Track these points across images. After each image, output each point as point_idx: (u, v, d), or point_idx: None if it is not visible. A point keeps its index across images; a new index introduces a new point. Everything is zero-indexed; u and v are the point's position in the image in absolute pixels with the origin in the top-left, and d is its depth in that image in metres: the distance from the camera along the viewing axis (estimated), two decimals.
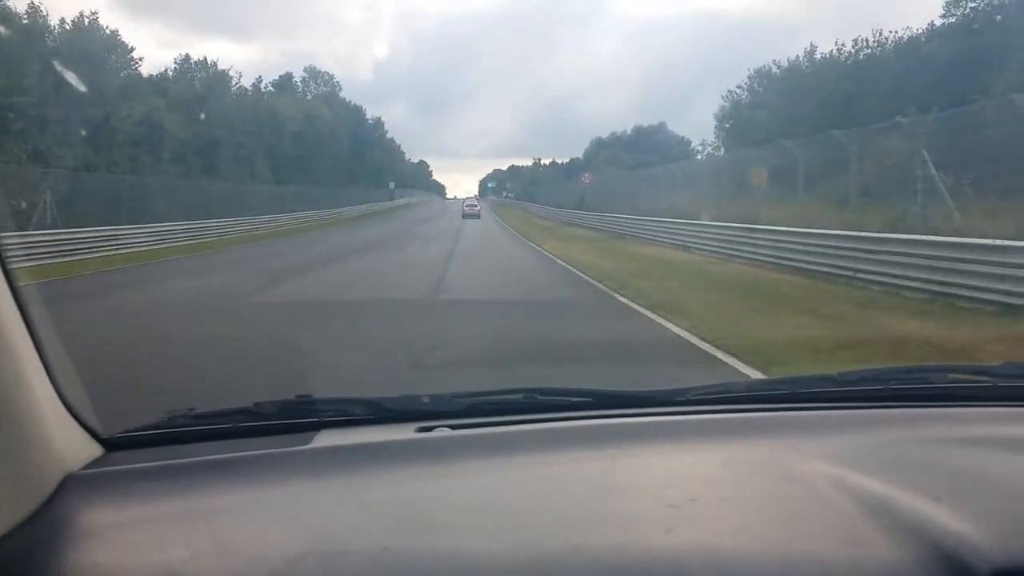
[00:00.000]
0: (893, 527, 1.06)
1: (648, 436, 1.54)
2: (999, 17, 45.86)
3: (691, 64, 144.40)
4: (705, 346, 7.96)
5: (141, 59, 42.24)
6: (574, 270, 17.80)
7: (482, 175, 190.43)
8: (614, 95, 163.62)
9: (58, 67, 29.38)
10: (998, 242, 10.17)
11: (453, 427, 1.58)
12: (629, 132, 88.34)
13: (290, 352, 7.30)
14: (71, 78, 30.56)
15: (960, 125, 16.23)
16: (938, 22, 43.13)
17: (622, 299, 12.19)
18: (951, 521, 1.05)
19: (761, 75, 56.92)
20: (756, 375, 6.40)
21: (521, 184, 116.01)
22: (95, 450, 1.42)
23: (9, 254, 1.28)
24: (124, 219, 29.33)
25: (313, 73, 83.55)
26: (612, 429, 1.58)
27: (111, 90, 36.34)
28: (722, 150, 49.11)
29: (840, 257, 13.91)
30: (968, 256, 10.52)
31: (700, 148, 56.60)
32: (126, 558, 1.09)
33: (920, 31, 47.10)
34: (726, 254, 19.85)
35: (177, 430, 1.57)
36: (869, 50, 48.34)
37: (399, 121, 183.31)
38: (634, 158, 65.55)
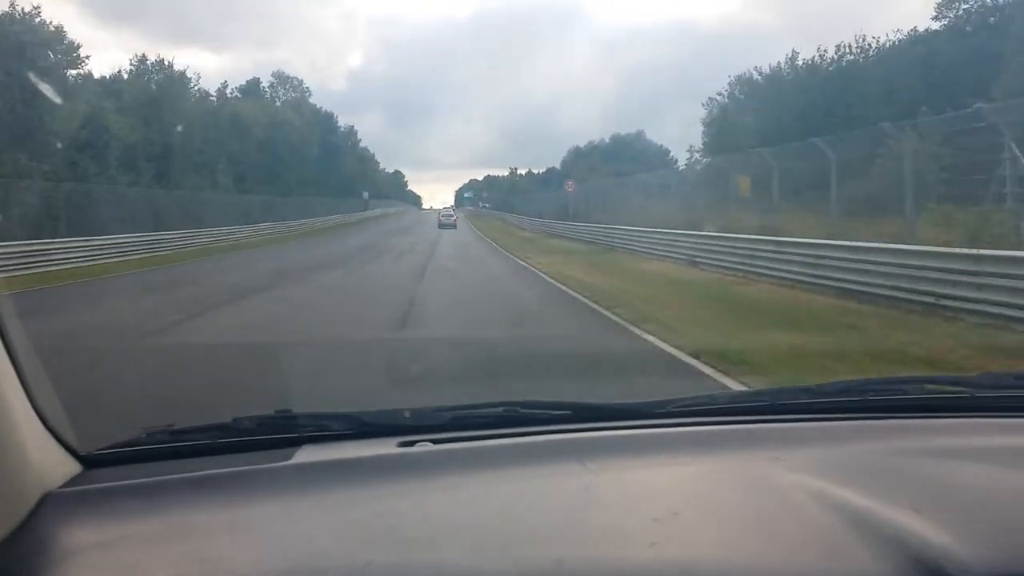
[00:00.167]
0: (874, 538, 1.07)
1: (630, 449, 1.54)
2: (993, 19, 44.65)
3: (665, 74, 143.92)
4: None
5: (88, 57, 38.81)
6: (571, 291, 14.87)
7: (458, 185, 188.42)
8: (588, 105, 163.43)
9: None
10: None
11: (435, 441, 1.56)
12: (607, 141, 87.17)
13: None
14: None
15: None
16: (923, 26, 42.44)
17: (650, 338, 9.23)
18: (931, 532, 1.06)
19: (742, 82, 56.49)
20: None
21: (498, 194, 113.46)
22: (73, 467, 1.41)
23: None
24: (63, 231, 26.26)
25: (281, 78, 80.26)
26: (594, 442, 1.57)
27: (51, 89, 32.99)
28: (703, 158, 47.65)
29: (914, 278, 11.08)
30: None
31: (688, 154, 54.45)
32: None
33: (907, 35, 46.52)
34: (744, 271, 17.04)
35: (156, 447, 1.54)
36: (852, 56, 47.99)
37: (374, 131, 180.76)
38: (613, 167, 63.85)
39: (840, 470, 1.37)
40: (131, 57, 49.86)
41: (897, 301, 11.24)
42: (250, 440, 1.58)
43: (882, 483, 1.29)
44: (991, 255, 9.93)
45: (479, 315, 11.65)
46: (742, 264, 17.42)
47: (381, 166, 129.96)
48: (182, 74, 46.67)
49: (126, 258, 26.12)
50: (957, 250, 10.61)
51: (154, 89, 43.52)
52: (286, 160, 65.35)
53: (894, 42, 46.97)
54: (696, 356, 7.69)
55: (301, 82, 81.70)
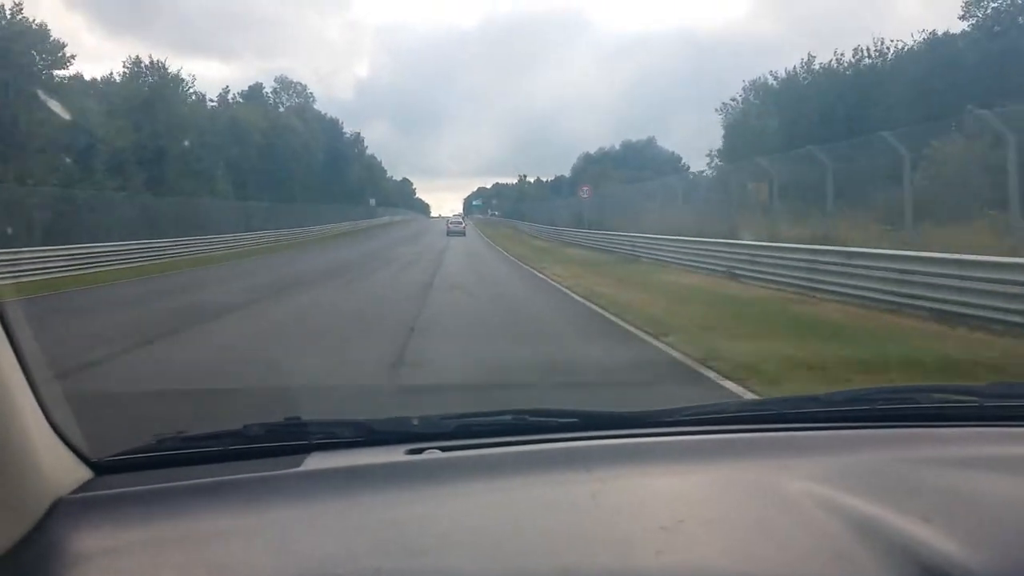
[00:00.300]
0: (882, 548, 1.06)
1: (638, 457, 1.53)
2: (1023, 19, 42.54)
3: (672, 81, 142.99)
4: None
5: (73, 57, 36.46)
6: (605, 313, 12.39)
7: (466, 193, 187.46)
8: (596, 113, 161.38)
9: None
10: None
11: (443, 449, 1.56)
12: (618, 147, 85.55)
13: None
14: None
15: None
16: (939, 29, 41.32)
17: (736, 388, 6.71)
18: (939, 542, 1.06)
19: (757, 87, 54.98)
20: None
21: (507, 202, 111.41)
22: (85, 473, 1.41)
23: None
24: (38, 239, 24.01)
25: (285, 83, 78.00)
26: (602, 451, 1.56)
27: (31, 90, 30.79)
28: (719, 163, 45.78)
29: None
30: None
31: (708, 158, 52.30)
32: None
33: (924, 37, 44.81)
34: (800, 286, 14.58)
35: (166, 453, 1.55)
36: (870, 59, 46.92)
37: (382, 140, 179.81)
38: (624, 174, 61.98)
39: (848, 479, 1.36)
40: (125, 59, 47.15)
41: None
42: (260, 447, 1.57)
43: (890, 492, 1.29)
44: None
45: (496, 350, 8.94)
46: (796, 278, 14.92)
47: (389, 174, 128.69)
48: (176, 76, 44.10)
49: (102, 269, 23.77)
50: None
51: (146, 91, 41.08)
52: (289, 166, 63.21)
53: (913, 45, 45.77)
54: None
55: (305, 87, 79.47)
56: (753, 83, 55.75)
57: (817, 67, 50.62)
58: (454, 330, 10.90)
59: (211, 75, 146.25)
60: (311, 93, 79.92)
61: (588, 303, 13.89)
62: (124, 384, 7.12)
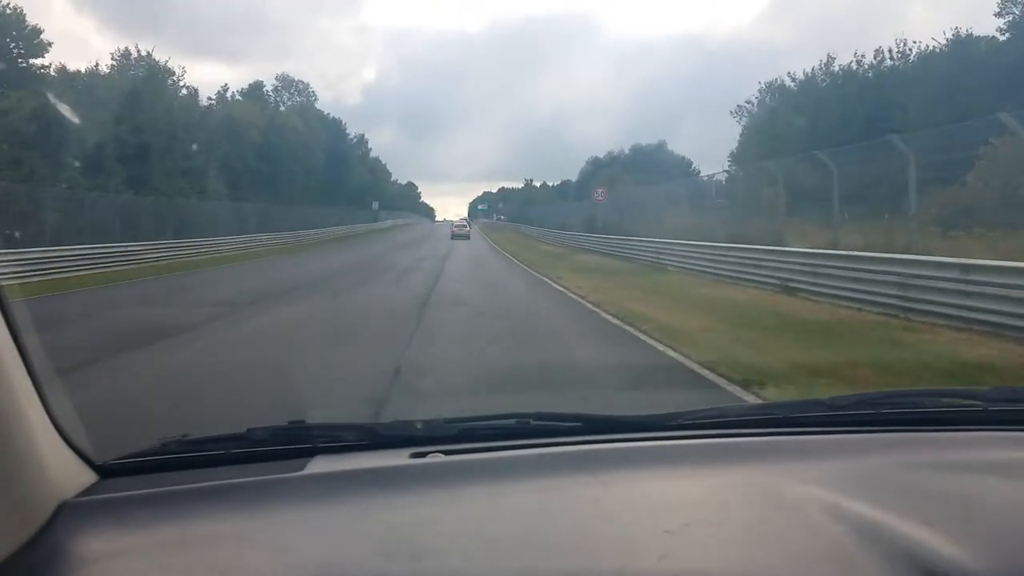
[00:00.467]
0: (885, 552, 1.06)
1: (641, 461, 1.52)
2: None
3: (680, 86, 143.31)
4: None
5: (51, 44, 33.76)
6: (656, 344, 9.35)
7: (472, 197, 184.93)
8: (603, 118, 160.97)
9: None
10: None
11: (446, 452, 1.55)
12: (627, 151, 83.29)
13: None
14: None
15: None
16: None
17: None
18: (943, 546, 1.06)
19: (774, 88, 53.82)
20: None
21: (513, 206, 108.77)
22: (89, 477, 1.40)
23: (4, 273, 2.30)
24: None
25: (286, 82, 75.40)
26: (605, 454, 1.55)
27: None
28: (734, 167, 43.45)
29: None
30: None
31: (729, 161, 49.87)
32: None
33: (947, 39, 43.75)
34: (886, 305, 11.65)
35: (170, 456, 1.54)
36: (892, 61, 46.75)
37: (388, 143, 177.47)
38: (635, 178, 59.47)
39: (852, 483, 1.35)
40: (113, 51, 44.30)
41: None
42: (264, 450, 1.57)
43: (894, 496, 1.29)
44: None
45: (518, 407, 5.98)
46: (880, 295, 11.95)
47: (394, 178, 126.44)
48: (164, 67, 41.27)
49: (60, 276, 20.83)
50: None
51: (130, 84, 38.25)
52: (288, 167, 60.46)
53: (936, 46, 44.90)
54: None
55: (307, 86, 76.97)
56: (770, 85, 54.55)
57: (837, 68, 50.16)
58: (455, 371, 7.81)
59: (217, 79, 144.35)
60: (313, 92, 77.44)
61: (628, 328, 10.86)
62: None
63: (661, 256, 25.20)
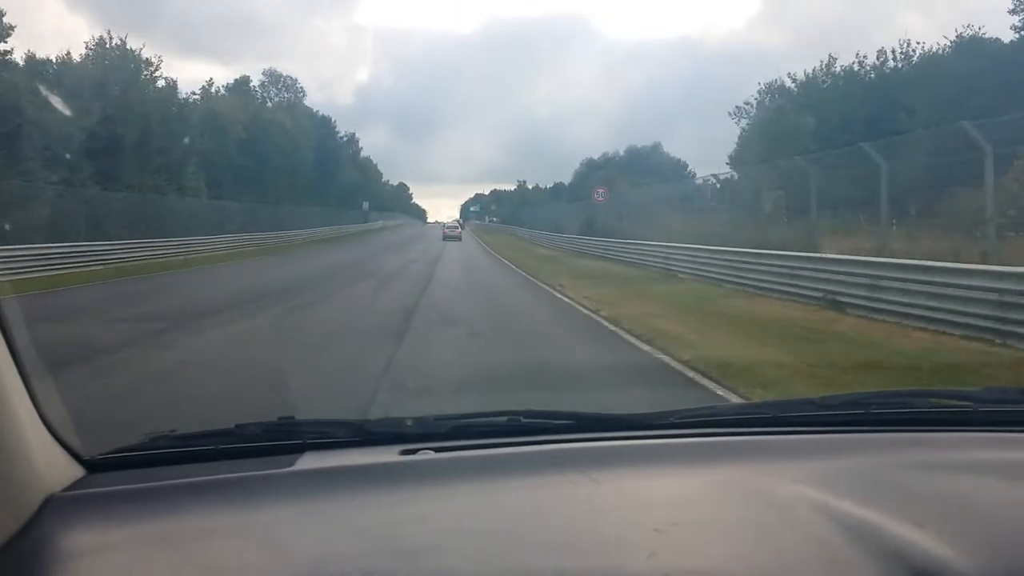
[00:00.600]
0: (875, 551, 1.06)
1: (632, 459, 1.52)
2: None
3: (674, 89, 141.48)
4: None
5: (13, 28, 31.18)
6: (719, 388, 7.01)
7: (464, 199, 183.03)
8: (596, 120, 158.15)
9: None
10: None
11: (437, 450, 1.55)
12: (622, 153, 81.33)
13: None
14: None
15: None
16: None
17: None
18: (933, 545, 1.06)
19: (773, 89, 52.20)
20: None
21: (507, 207, 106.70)
22: (77, 471, 1.40)
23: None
24: None
25: (273, 77, 72.57)
26: (596, 452, 1.55)
27: None
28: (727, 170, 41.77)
29: None
30: None
31: (728, 163, 47.96)
32: None
33: (954, 41, 42.25)
34: (975, 328, 9.46)
35: (159, 451, 1.52)
36: (895, 62, 45.68)
37: (379, 144, 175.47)
38: (630, 180, 57.71)
39: (842, 482, 1.34)
40: (87, 40, 41.70)
41: None
42: (253, 446, 1.55)
43: (884, 496, 1.28)
44: None
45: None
46: (966, 316, 9.72)
47: (385, 178, 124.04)
48: (136, 55, 38.71)
49: (10, 278, 18.42)
50: None
51: (98, 73, 35.76)
52: (273, 165, 58.02)
53: (940, 48, 43.58)
54: None
55: (295, 81, 74.08)
56: (769, 86, 53.43)
57: (838, 69, 48.73)
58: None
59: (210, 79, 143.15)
60: (301, 88, 74.67)
61: (664, 358, 8.47)
62: None
63: (671, 262, 22.96)
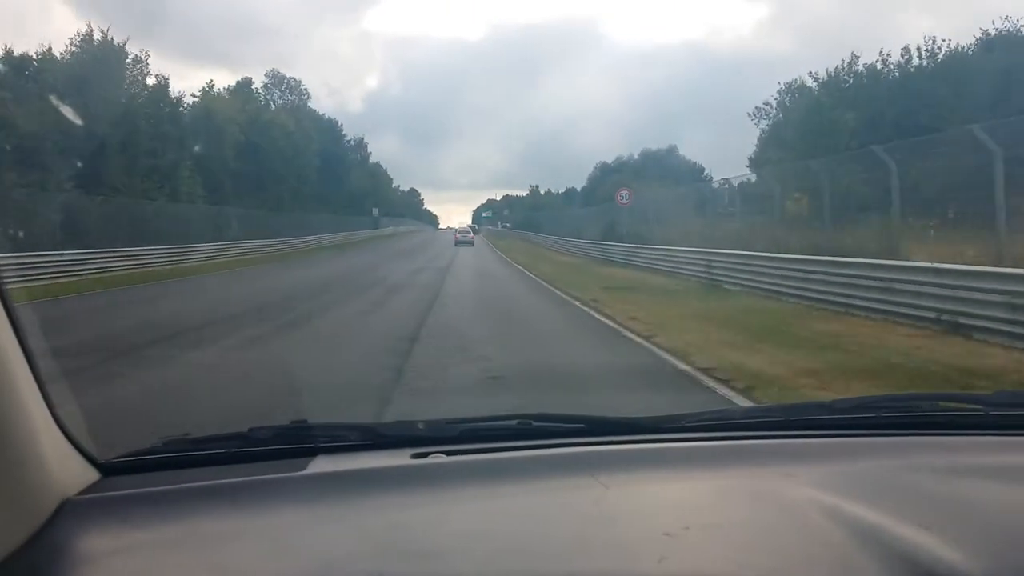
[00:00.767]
0: (884, 556, 1.05)
1: (642, 463, 1.51)
2: None
3: (686, 93, 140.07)
4: None
5: None
6: None
7: (475, 205, 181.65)
8: (608, 125, 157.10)
9: None
10: None
11: (448, 453, 1.54)
12: (636, 157, 78.86)
13: None
14: None
15: None
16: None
17: None
18: (942, 550, 1.05)
19: (793, 89, 50.60)
20: None
21: (520, 213, 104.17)
22: (92, 475, 1.40)
23: (5, 276, 1.27)
24: None
25: (277, 78, 69.91)
26: (606, 456, 1.54)
27: None
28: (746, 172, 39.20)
29: None
30: None
31: (748, 165, 45.74)
32: None
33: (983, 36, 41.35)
34: None
35: (172, 455, 1.53)
36: (921, 60, 44.42)
37: (391, 151, 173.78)
38: (645, 184, 55.28)
39: (852, 486, 1.33)
40: (72, 35, 39.00)
41: None
42: (266, 450, 1.54)
43: (894, 500, 1.27)
44: None
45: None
46: None
47: (396, 184, 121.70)
48: (121, 50, 36.07)
49: None
50: None
51: (79, 69, 33.10)
52: (276, 170, 55.37)
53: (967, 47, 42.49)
54: None
55: (299, 83, 71.32)
56: (789, 86, 51.62)
57: (861, 68, 47.17)
58: None
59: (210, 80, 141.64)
60: (306, 90, 72.00)
61: None
62: None
63: (713, 270, 19.99)
